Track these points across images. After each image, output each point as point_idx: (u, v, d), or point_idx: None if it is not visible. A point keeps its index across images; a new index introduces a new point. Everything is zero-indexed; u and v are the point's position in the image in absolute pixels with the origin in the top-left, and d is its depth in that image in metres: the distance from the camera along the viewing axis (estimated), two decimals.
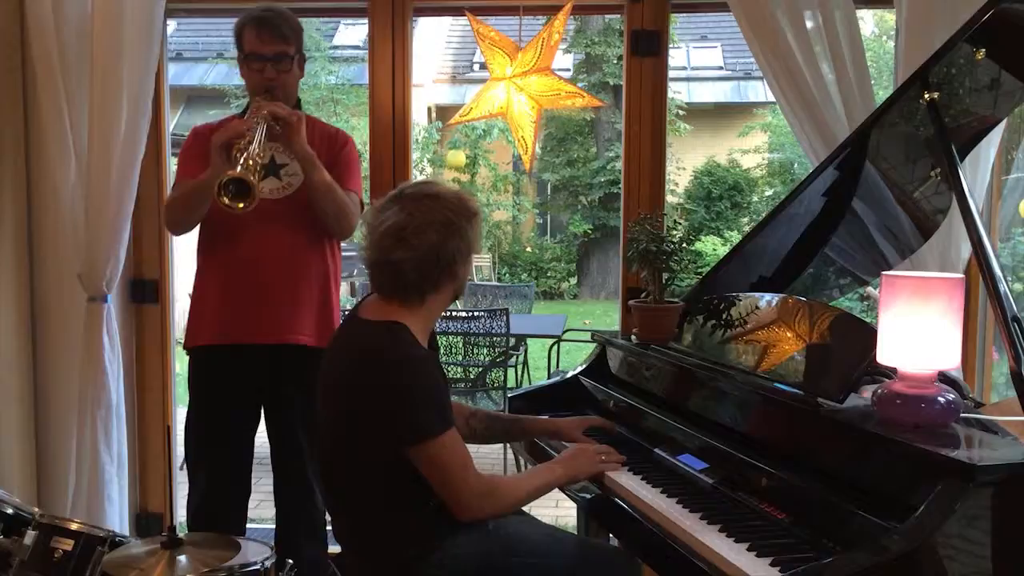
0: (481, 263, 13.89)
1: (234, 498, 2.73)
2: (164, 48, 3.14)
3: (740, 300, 2.35)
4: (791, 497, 1.77)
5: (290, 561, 2.24)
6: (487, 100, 2.96)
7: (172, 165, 3.29)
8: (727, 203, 14.22)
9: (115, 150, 2.96)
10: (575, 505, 2.49)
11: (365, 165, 3.13)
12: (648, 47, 3.04)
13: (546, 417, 2.48)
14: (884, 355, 1.71)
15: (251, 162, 2.37)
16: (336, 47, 14.39)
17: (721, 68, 15.85)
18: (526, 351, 5.81)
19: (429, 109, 14.53)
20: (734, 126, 14.86)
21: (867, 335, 1.84)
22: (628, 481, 2.09)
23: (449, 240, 1.94)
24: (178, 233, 2.76)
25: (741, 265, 2.69)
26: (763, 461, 1.88)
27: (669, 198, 2.79)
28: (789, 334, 2.07)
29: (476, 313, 5.41)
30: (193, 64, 14.16)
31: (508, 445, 3.99)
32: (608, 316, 11.54)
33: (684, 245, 2.60)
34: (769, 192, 14.77)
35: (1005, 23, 1.83)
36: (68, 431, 3.07)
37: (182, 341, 2.76)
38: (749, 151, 14.45)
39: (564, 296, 14.42)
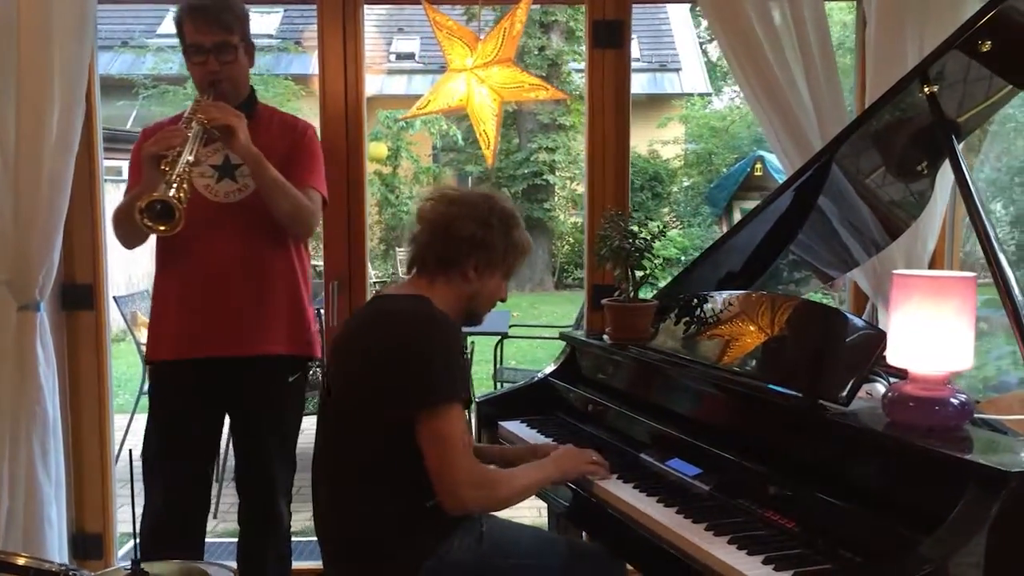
0: (403, 256, 13.67)
1: (191, 517, 2.55)
2: (95, 37, 2.93)
3: (724, 297, 2.28)
4: (798, 504, 1.71)
5: None
6: (446, 92, 2.83)
7: (105, 162, 3.08)
8: (648, 193, 14.35)
9: (46, 147, 2.72)
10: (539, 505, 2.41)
11: None
12: (610, 38, 2.95)
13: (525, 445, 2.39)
14: (895, 356, 1.67)
15: (177, 178, 2.16)
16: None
17: (638, 60, 15.95)
18: (473, 348, 5.70)
19: None
20: (652, 117, 14.96)
21: (871, 335, 1.80)
22: (618, 489, 2.01)
23: (469, 222, 1.98)
24: (131, 247, 2.50)
25: (712, 262, 2.65)
26: (761, 465, 1.83)
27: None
28: (784, 333, 2.01)
29: None
30: (98, 53, 13.53)
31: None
32: (535, 308, 11.47)
33: (656, 242, 2.54)
34: (687, 182, 14.94)
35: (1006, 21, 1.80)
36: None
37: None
38: (668, 142, 14.59)
39: None
